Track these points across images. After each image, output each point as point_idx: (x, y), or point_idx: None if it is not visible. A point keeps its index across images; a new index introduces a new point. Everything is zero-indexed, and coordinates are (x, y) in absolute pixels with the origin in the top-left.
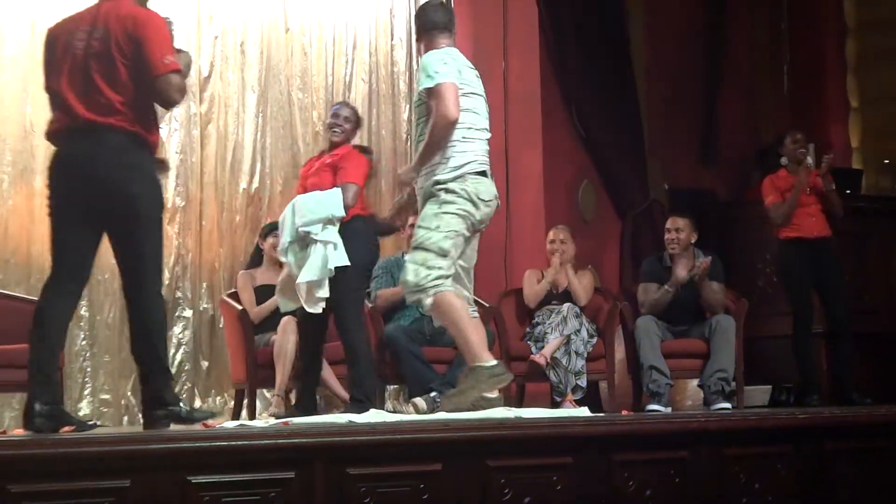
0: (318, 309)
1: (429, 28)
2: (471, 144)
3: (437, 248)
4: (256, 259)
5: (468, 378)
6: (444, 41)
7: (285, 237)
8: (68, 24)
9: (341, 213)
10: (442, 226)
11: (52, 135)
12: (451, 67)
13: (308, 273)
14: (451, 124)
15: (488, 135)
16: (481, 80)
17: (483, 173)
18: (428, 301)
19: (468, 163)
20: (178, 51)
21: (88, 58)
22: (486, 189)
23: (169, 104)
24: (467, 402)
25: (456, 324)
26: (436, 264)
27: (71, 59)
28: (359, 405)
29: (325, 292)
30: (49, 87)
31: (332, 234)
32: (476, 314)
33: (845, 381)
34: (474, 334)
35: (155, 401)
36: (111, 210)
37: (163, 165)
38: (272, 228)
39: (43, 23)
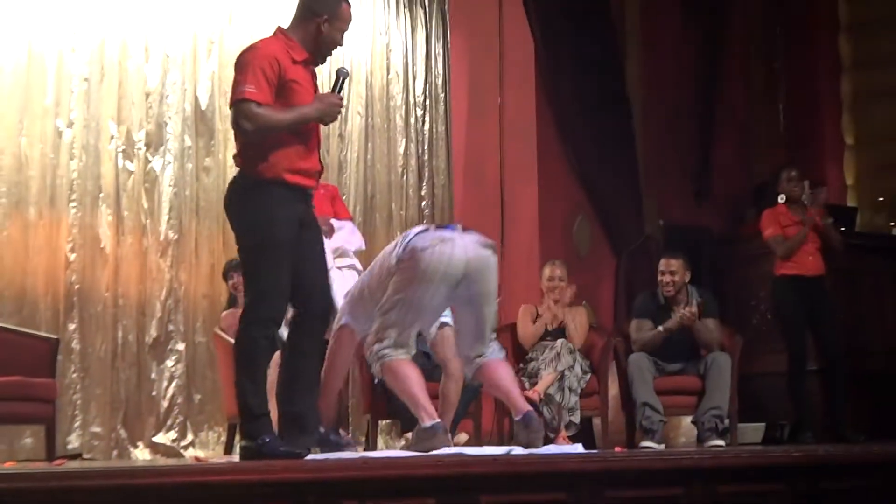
0: None
1: None
2: None
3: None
4: (235, 300)
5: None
6: None
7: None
8: None
9: None
10: None
11: None
12: None
13: None
14: None
15: None
16: None
17: None
18: (375, 370)
19: None
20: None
21: None
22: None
23: (240, 133)
24: None
25: (401, 391)
26: (383, 336)
27: None
28: None
29: None
30: None
31: None
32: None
33: (840, 418)
34: (418, 396)
35: (243, 434)
36: None
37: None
38: (232, 266)
39: (38, 57)
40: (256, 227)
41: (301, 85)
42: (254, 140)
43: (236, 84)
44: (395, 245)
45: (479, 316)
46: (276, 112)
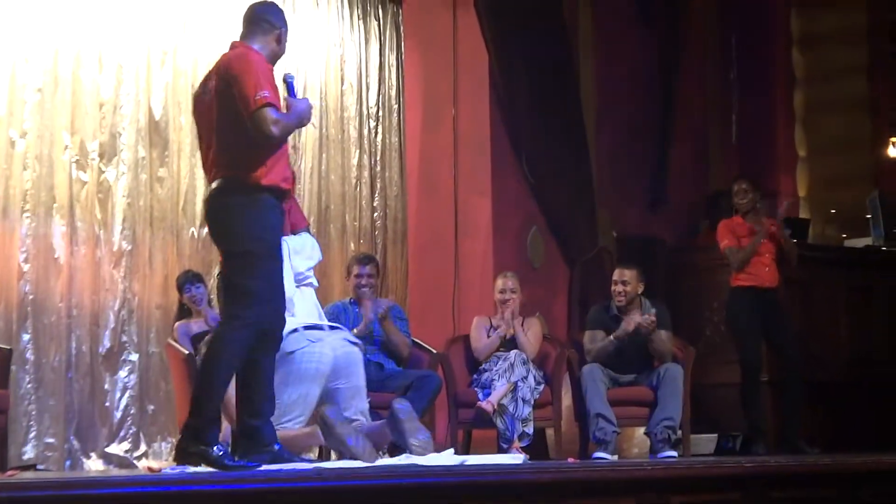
0: None
1: None
2: None
3: None
4: (185, 311)
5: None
6: None
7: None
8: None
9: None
10: None
11: None
12: None
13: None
14: None
15: None
16: None
17: None
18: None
19: None
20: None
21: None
22: None
23: (265, 139)
24: None
25: (297, 437)
26: None
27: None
28: None
29: None
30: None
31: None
32: None
33: (793, 429)
34: (299, 433)
35: (191, 436)
36: None
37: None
38: (188, 279)
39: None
40: (252, 232)
41: (276, 91)
42: (270, 144)
43: (249, 90)
44: None
45: (348, 407)
46: (286, 115)
